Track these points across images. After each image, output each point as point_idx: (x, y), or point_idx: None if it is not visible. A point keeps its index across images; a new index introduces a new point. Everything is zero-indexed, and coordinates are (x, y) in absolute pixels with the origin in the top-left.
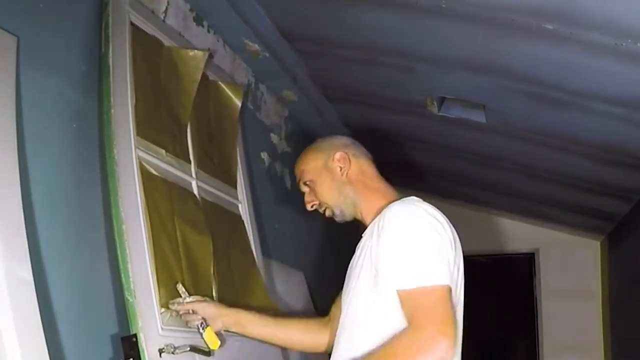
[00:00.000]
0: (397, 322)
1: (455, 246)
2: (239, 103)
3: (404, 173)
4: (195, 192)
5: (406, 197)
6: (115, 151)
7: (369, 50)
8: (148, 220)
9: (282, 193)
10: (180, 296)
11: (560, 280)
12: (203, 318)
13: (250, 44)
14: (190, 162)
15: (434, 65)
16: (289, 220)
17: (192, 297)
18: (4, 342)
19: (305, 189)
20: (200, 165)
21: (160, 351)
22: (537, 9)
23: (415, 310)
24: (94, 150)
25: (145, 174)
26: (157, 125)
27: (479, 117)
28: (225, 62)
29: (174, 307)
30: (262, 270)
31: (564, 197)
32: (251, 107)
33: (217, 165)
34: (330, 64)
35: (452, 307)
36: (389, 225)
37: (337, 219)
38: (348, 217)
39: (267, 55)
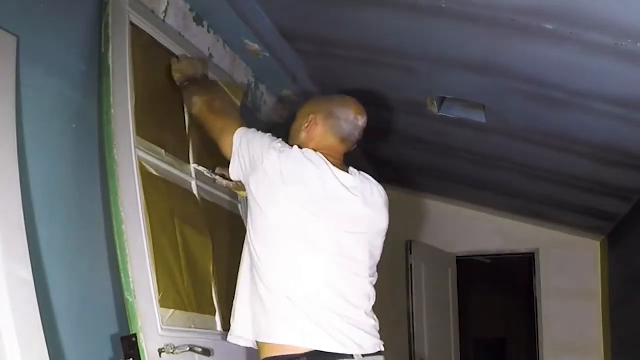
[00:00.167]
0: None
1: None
2: (238, 103)
3: (404, 172)
4: (195, 192)
5: (397, 195)
6: (115, 151)
7: (369, 50)
8: (148, 220)
9: None
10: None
11: (560, 280)
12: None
13: (250, 44)
14: (190, 162)
15: (434, 65)
16: None
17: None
18: (4, 342)
19: None
20: (200, 165)
21: (160, 351)
22: (537, 9)
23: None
24: (94, 150)
25: (145, 174)
26: (157, 125)
27: (479, 117)
28: (225, 62)
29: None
30: None
31: (564, 197)
32: (251, 107)
33: (217, 165)
34: (330, 64)
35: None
36: None
37: None
38: None
39: (267, 55)
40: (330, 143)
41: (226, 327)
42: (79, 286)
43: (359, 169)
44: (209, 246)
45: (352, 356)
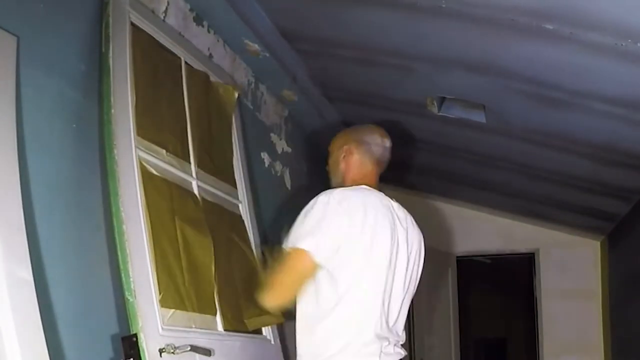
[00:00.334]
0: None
1: (366, 212)
2: (234, 103)
3: (404, 173)
4: (196, 192)
5: (391, 195)
6: (115, 151)
7: (369, 50)
8: (148, 220)
9: (282, 193)
10: None
11: (560, 280)
12: None
13: (250, 44)
14: (190, 162)
15: (434, 65)
16: (289, 220)
17: None
18: (4, 342)
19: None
20: (200, 165)
21: (161, 351)
22: (537, 9)
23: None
24: (94, 150)
25: (145, 174)
26: (157, 125)
27: (479, 117)
28: (225, 62)
29: None
30: (262, 270)
31: (564, 197)
32: (251, 107)
33: (217, 165)
34: (330, 64)
35: (308, 269)
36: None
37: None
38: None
39: (267, 55)
40: (368, 168)
41: (226, 327)
42: (79, 286)
43: None
44: (209, 246)
45: None
